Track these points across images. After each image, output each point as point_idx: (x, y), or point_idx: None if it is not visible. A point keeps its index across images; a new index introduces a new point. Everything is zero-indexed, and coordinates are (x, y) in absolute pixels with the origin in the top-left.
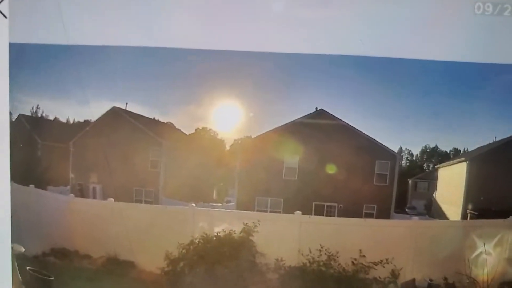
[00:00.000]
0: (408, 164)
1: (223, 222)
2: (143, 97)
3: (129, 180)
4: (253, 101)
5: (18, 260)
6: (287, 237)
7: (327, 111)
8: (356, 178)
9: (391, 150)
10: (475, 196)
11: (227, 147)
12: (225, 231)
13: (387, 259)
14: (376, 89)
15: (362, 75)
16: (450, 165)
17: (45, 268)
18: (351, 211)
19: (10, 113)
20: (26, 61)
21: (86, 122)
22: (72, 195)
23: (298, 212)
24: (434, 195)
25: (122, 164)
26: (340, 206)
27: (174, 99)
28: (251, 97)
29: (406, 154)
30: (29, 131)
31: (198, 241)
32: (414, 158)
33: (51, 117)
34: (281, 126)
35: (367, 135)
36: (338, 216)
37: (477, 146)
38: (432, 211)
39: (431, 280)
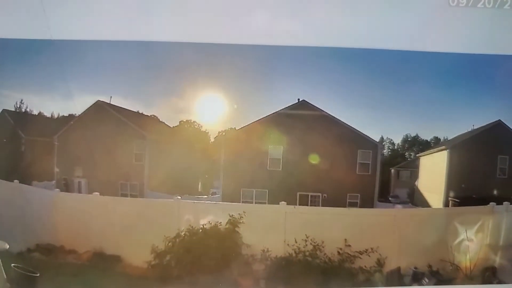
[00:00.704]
0: (390, 153)
1: (209, 214)
2: (127, 90)
3: (114, 173)
4: (237, 92)
5: (3, 257)
6: (272, 227)
7: (309, 102)
8: (339, 168)
9: (373, 139)
10: (456, 184)
11: (212, 140)
12: (211, 223)
13: (372, 248)
14: (357, 79)
15: (343, 66)
16: (431, 153)
17: (30, 264)
18: (335, 200)
19: None
20: (9, 56)
21: (71, 116)
22: (57, 189)
23: (283, 203)
24: (416, 183)
25: (106, 157)
26: (324, 196)
27: (157, 92)
28: (234, 89)
29: (388, 143)
30: (13, 126)
31: (184, 234)
32: (395, 147)
33: (35, 112)
34: (264, 117)
35: (348, 125)
36: (323, 205)
37: (457, 134)
38: (415, 199)
39: (415, 268)
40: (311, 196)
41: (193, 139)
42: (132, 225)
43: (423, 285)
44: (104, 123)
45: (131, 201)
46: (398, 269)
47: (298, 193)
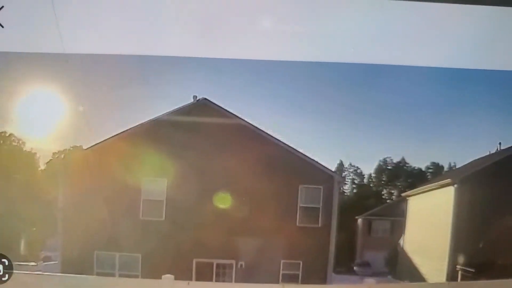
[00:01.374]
0: (355, 190)
1: None
2: None
3: None
4: (85, 88)
5: None
6: None
7: (212, 101)
8: (266, 216)
9: (325, 167)
10: (469, 241)
11: (42, 165)
12: None
13: None
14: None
15: None
16: (428, 191)
17: None
18: (260, 271)
19: None
20: None
21: None
22: None
23: (168, 276)
24: (401, 241)
25: None
26: (241, 265)
27: None
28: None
29: (352, 174)
30: None
31: None
32: (365, 180)
33: None
34: (135, 126)
35: (283, 143)
36: (237, 280)
37: (471, 159)
38: (398, 268)
39: None
40: (218, 265)
41: (10, 164)
42: None
43: None
44: None
45: None
46: None
47: (194, 260)
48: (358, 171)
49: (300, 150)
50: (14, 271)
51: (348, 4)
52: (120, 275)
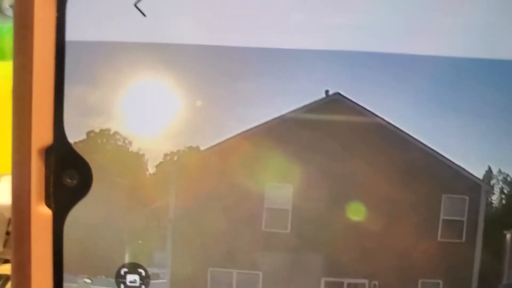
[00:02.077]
0: (504, 201)
1: None
2: None
3: None
4: (202, 80)
5: None
6: None
7: (347, 96)
8: (403, 230)
9: (472, 174)
10: None
11: (151, 170)
12: None
13: None
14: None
15: None
16: None
17: None
18: None
19: None
20: None
21: None
22: None
23: None
24: None
25: None
26: (374, 284)
27: None
28: (197, 73)
29: (501, 182)
30: None
31: None
32: None
33: None
34: (257, 126)
35: (426, 145)
36: None
37: None
38: None
39: None
40: (349, 284)
41: (114, 167)
42: None
43: None
44: None
45: None
46: None
47: (323, 279)
48: (508, 179)
49: (445, 154)
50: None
51: None
52: None
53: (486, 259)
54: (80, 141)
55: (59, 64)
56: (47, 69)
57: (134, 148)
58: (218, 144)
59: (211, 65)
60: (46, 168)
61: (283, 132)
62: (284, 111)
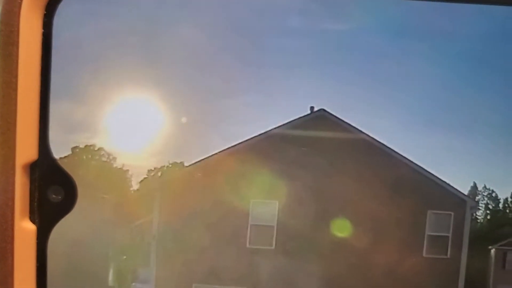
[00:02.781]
0: (489, 216)
1: None
2: None
3: None
4: (187, 96)
5: None
6: None
7: (331, 112)
8: (388, 246)
9: (458, 190)
10: None
11: (134, 185)
12: None
13: None
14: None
15: None
16: None
17: None
18: None
19: None
20: None
21: None
22: None
23: None
24: None
25: None
26: None
27: None
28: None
29: (486, 198)
30: None
31: None
32: (500, 204)
33: None
34: (243, 142)
35: (411, 161)
36: None
37: None
38: None
39: None
40: None
41: (98, 182)
42: None
43: None
44: None
45: None
46: None
47: None
48: (494, 194)
49: (430, 170)
50: None
51: None
52: None
53: (471, 275)
54: (65, 157)
55: (44, 81)
56: (32, 85)
57: (118, 164)
58: (203, 160)
59: (196, 83)
60: (31, 183)
61: (268, 148)
62: (268, 127)
